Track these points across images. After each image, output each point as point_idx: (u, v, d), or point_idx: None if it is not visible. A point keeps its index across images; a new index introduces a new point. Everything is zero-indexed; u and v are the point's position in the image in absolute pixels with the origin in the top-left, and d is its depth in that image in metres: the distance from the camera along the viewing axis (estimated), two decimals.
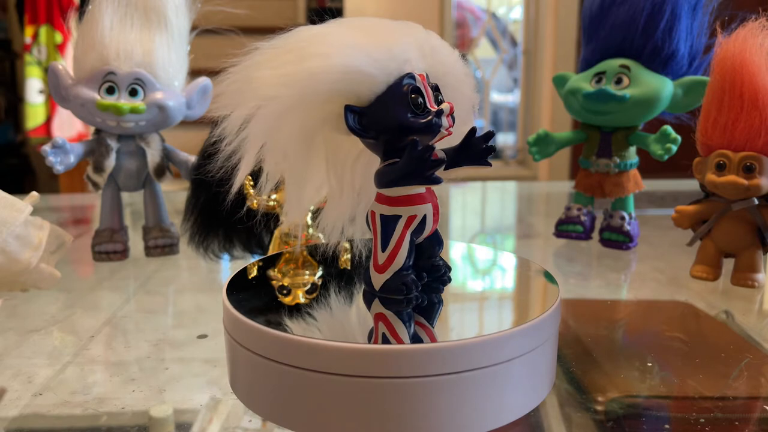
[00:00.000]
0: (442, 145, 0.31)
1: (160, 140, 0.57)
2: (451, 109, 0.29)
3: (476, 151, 0.30)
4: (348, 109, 0.28)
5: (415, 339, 0.26)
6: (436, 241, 0.32)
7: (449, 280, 0.33)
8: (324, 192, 0.33)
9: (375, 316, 0.29)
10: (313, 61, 0.27)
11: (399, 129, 0.28)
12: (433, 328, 0.28)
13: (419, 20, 0.31)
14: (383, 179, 0.29)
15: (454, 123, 0.29)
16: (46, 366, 0.37)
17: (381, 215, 0.30)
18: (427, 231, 0.31)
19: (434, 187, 0.32)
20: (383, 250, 0.30)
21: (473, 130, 0.30)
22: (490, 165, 0.31)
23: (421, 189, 0.30)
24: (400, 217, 0.30)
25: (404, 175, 0.28)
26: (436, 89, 0.29)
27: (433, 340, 0.26)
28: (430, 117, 0.28)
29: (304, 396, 0.26)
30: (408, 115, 0.28)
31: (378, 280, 0.30)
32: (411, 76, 0.28)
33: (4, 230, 0.37)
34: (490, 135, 0.30)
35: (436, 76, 0.30)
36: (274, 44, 0.29)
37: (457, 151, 0.31)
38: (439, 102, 0.29)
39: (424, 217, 0.30)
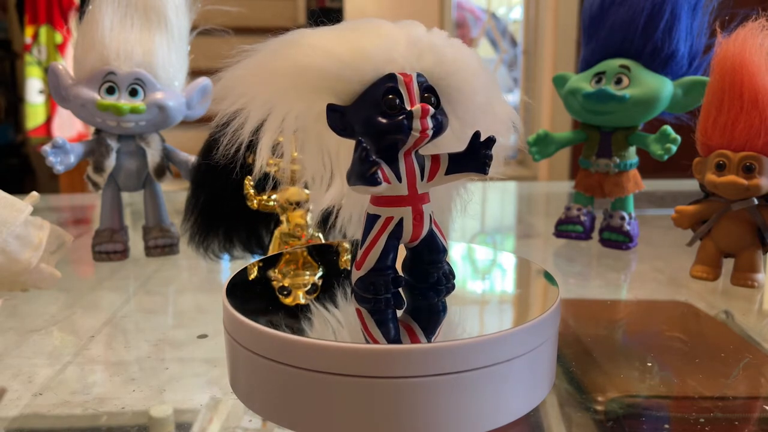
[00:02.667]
0: (447, 149, 0.31)
1: (160, 140, 0.57)
2: (424, 110, 0.28)
3: (475, 158, 0.29)
4: (329, 107, 0.29)
5: (390, 337, 0.26)
6: (433, 247, 0.31)
7: (446, 290, 0.32)
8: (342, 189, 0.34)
9: (355, 310, 0.30)
10: (283, 61, 0.29)
11: (368, 129, 0.28)
12: (419, 329, 0.27)
13: (419, 20, 0.30)
14: (346, 179, 0.29)
15: (436, 125, 0.28)
16: (46, 366, 0.37)
17: (367, 213, 0.31)
18: (407, 235, 0.30)
19: (439, 192, 0.32)
20: (360, 248, 0.31)
21: (476, 135, 0.29)
22: (486, 174, 0.29)
23: (402, 191, 0.30)
24: (378, 217, 0.30)
25: (350, 176, 0.28)
26: (427, 90, 0.29)
27: (414, 340, 0.26)
28: (399, 118, 0.28)
29: (304, 396, 0.26)
30: (377, 116, 0.28)
31: (354, 276, 0.31)
32: (390, 76, 0.28)
33: (4, 230, 0.37)
34: (490, 142, 0.29)
35: (438, 76, 0.29)
36: (263, 46, 0.30)
37: (461, 157, 0.30)
38: (429, 104, 0.28)
39: (402, 221, 0.30)
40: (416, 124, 0.28)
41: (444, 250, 0.32)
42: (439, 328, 0.28)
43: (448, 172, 0.30)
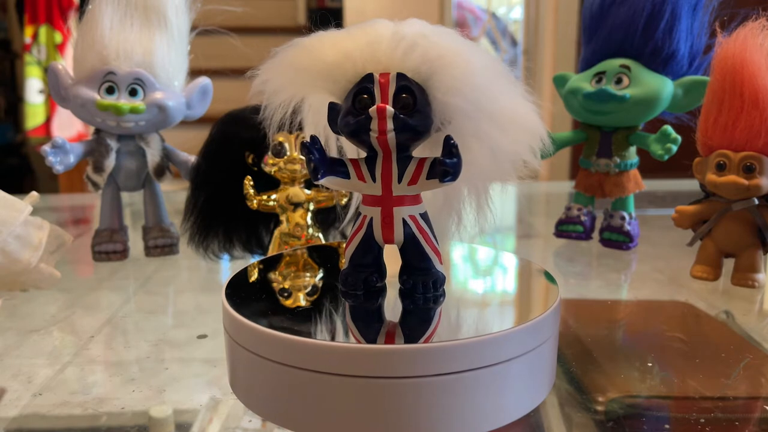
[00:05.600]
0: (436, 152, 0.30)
1: (160, 140, 0.57)
2: (379, 111, 0.27)
3: (436, 165, 0.29)
4: (329, 105, 0.30)
5: (365, 330, 0.27)
6: (415, 253, 0.31)
7: (424, 299, 0.30)
8: None
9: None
10: (285, 62, 0.31)
11: (341, 128, 0.29)
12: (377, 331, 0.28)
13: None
14: None
15: (399, 126, 0.28)
16: (46, 366, 0.37)
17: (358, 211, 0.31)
18: (378, 236, 0.30)
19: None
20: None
21: (445, 139, 0.28)
22: (442, 182, 0.29)
23: (376, 191, 0.30)
24: (360, 214, 0.31)
25: None
26: (403, 90, 0.28)
27: (389, 338, 0.26)
28: (360, 118, 0.28)
29: (304, 396, 0.26)
30: (347, 116, 0.29)
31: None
32: (368, 76, 0.28)
33: (4, 230, 0.37)
34: (452, 148, 0.28)
35: (425, 75, 0.29)
36: (285, 46, 0.31)
37: (437, 162, 0.29)
38: (404, 104, 0.28)
39: (371, 221, 0.30)
40: (373, 124, 0.28)
41: (427, 258, 0.31)
42: (457, 325, 0.28)
43: (429, 177, 0.29)
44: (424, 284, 0.30)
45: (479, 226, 0.33)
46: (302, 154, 0.29)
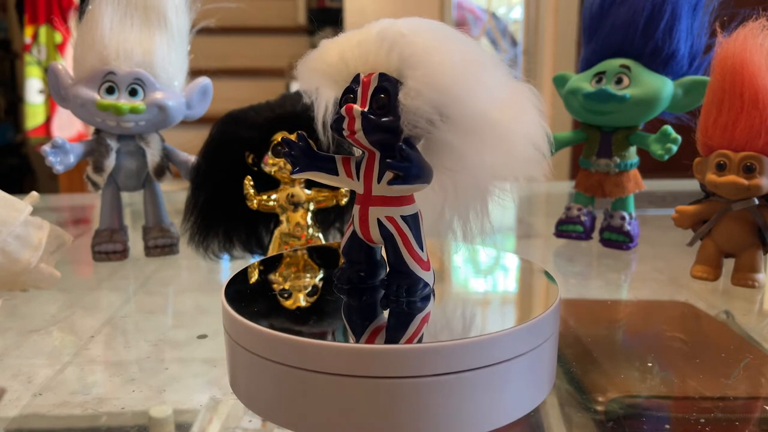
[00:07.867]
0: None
1: (160, 140, 0.57)
2: (348, 110, 0.28)
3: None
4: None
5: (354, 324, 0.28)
6: (393, 255, 0.30)
7: (398, 303, 0.30)
8: None
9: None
10: (307, 64, 0.31)
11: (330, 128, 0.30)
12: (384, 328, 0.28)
13: None
14: None
15: (368, 126, 0.28)
16: (46, 366, 0.37)
17: None
18: (360, 233, 0.31)
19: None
20: None
21: (403, 141, 0.28)
22: (389, 186, 0.29)
23: (359, 189, 0.30)
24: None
25: None
26: (380, 90, 0.28)
27: (371, 337, 0.26)
28: (337, 117, 0.29)
29: (304, 396, 0.26)
30: (333, 115, 0.29)
31: None
32: (356, 77, 0.29)
33: (4, 230, 0.37)
34: (400, 152, 0.27)
35: (406, 74, 0.28)
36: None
37: None
38: (380, 104, 0.28)
39: (353, 218, 0.31)
40: (344, 123, 0.28)
41: (403, 262, 0.30)
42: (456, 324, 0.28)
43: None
44: (398, 287, 0.30)
45: (478, 231, 0.32)
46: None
